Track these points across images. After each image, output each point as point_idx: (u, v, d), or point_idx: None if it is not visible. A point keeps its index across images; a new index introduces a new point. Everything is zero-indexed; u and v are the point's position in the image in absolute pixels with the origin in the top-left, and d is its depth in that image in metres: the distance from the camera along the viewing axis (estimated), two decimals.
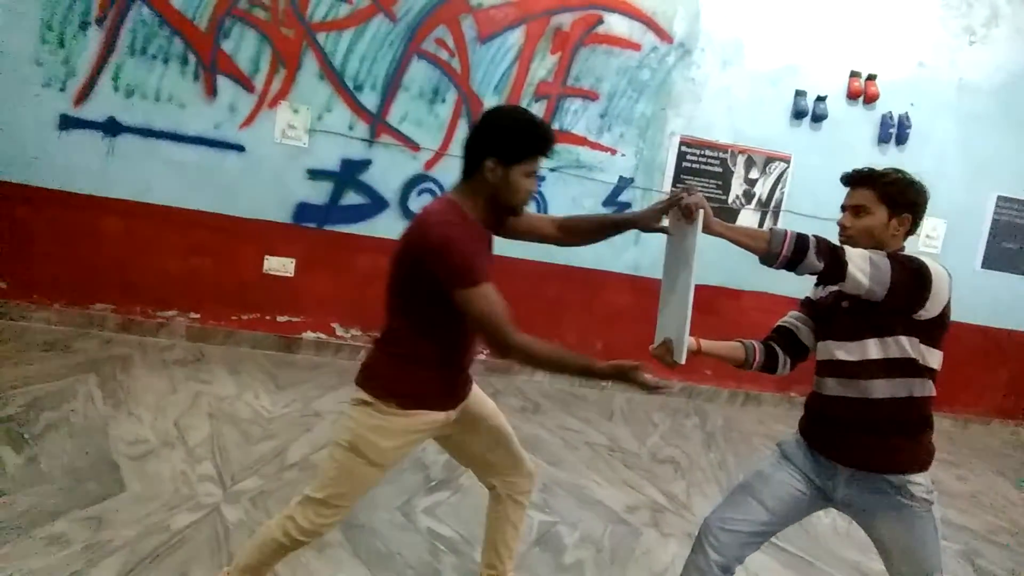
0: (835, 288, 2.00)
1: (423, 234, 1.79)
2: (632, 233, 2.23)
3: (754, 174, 5.32)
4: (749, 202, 5.33)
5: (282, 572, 2.39)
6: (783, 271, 1.80)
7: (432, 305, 1.81)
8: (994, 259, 5.67)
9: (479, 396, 2.12)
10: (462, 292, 1.74)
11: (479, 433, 2.10)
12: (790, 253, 1.74)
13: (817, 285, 2.14)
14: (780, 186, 5.36)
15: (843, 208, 1.97)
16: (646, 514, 3.33)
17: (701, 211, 1.77)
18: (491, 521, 2.24)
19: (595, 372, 1.82)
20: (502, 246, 2.09)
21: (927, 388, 1.86)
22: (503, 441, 2.15)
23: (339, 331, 5.00)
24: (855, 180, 1.96)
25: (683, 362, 1.84)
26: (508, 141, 1.82)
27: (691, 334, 1.85)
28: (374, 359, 1.95)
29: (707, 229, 1.78)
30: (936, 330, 1.83)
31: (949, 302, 1.81)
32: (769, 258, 1.77)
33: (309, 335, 4.97)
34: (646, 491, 3.59)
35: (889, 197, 1.89)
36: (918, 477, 1.84)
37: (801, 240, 1.74)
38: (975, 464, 4.96)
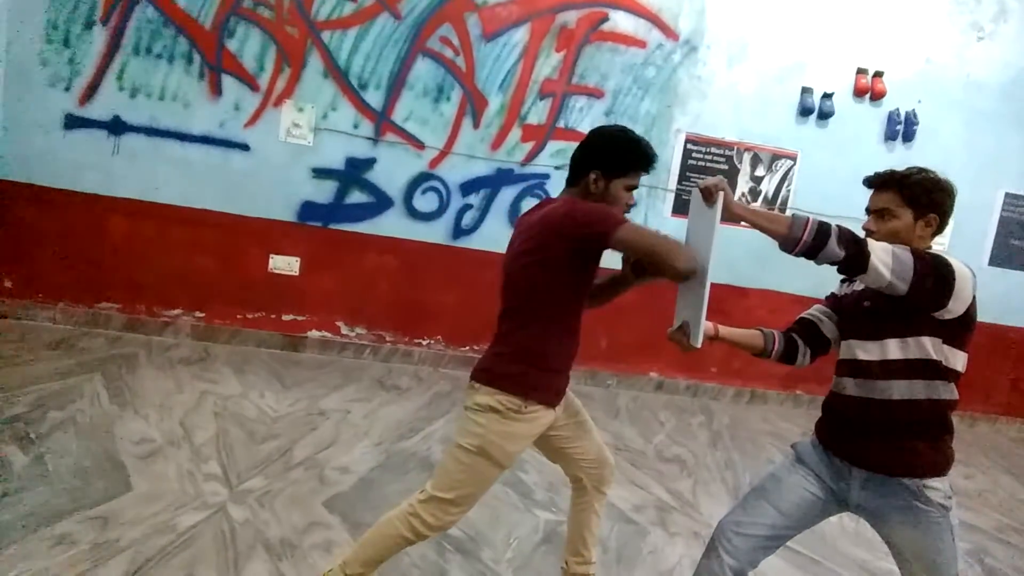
0: (858, 287, 1.95)
1: (569, 210, 1.91)
2: None
3: (760, 171, 5.30)
4: (755, 199, 5.31)
5: (288, 572, 2.40)
6: (802, 259, 1.75)
7: (570, 278, 1.95)
8: (1001, 256, 5.64)
9: (570, 393, 2.23)
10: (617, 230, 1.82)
11: (572, 428, 2.23)
12: (811, 239, 1.69)
13: (842, 282, 2.09)
14: (786, 183, 5.33)
15: (867, 211, 1.92)
16: (652, 513, 3.31)
17: (721, 194, 1.75)
18: (576, 513, 2.35)
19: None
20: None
21: (949, 391, 1.81)
22: (589, 434, 2.27)
23: (344, 330, 5.00)
24: (878, 182, 1.91)
25: (699, 346, 1.84)
26: (611, 155, 2.01)
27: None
28: (496, 359, 2.02)
29: (727, 212, 1.76)
30: (960, 330, 1.77)
31: (974, 302, 1.74)
32: (789, 243, 1.72)
33: (314, 334, 4.97)
34: (652, 490, 3.58)
35: (914, 199, 1.85)
36: (935, 482, 1.80)
37: (823, 227, 1.69)
38: (982, 462, 4.93)
